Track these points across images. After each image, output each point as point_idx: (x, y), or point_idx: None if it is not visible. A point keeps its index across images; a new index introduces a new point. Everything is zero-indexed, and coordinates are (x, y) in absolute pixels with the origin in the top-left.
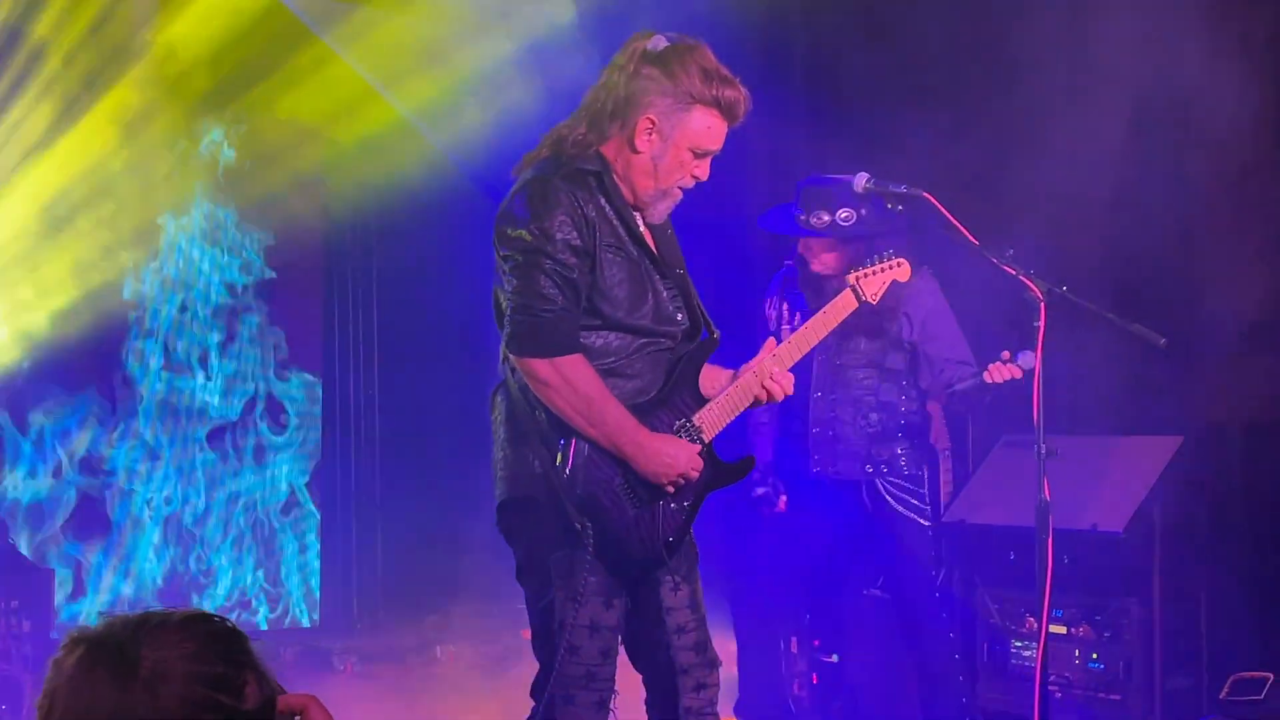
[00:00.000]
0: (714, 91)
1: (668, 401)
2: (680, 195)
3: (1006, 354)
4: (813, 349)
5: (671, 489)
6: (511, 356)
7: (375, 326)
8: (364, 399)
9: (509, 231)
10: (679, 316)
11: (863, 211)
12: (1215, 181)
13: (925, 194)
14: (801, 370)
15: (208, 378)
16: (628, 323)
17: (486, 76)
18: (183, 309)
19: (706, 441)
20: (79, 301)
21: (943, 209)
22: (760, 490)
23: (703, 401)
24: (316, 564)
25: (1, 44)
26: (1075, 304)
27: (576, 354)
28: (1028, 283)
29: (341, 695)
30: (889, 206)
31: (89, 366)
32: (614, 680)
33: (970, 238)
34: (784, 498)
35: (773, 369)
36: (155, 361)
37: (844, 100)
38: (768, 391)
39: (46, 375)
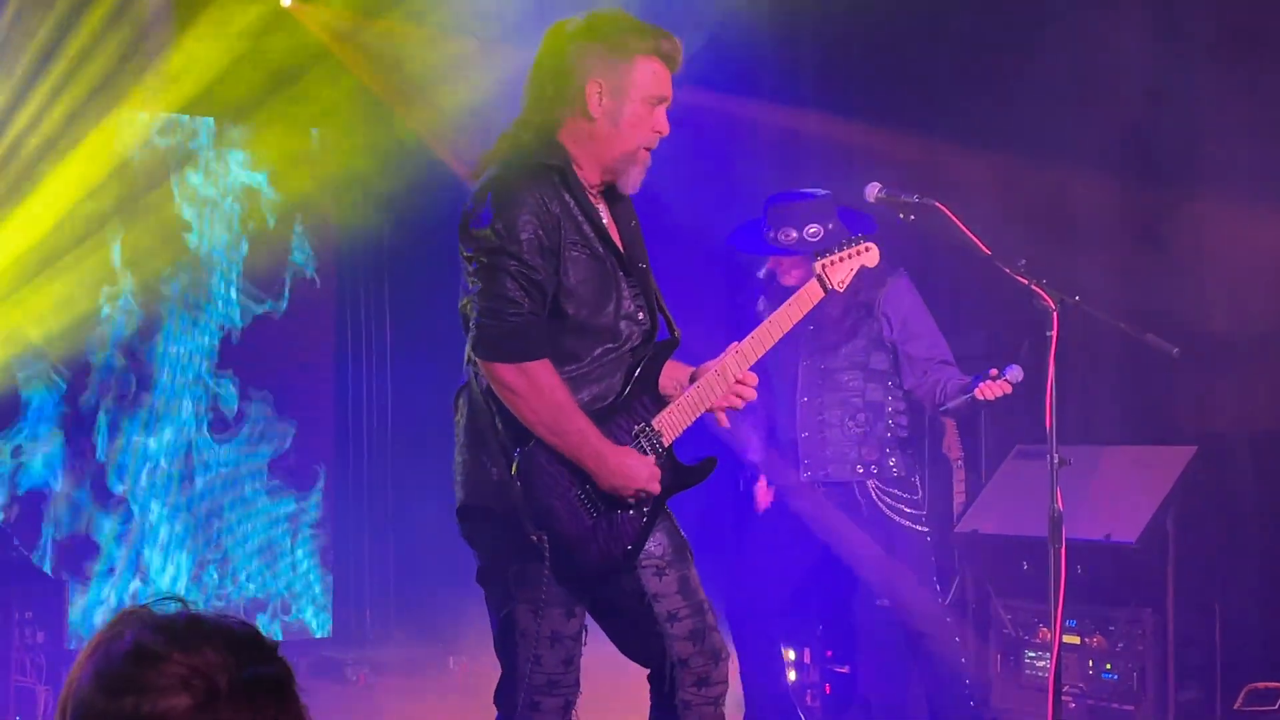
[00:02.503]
0: (648, 41)
1: (628, 406)
2: (649, 159)
3: (994, 371)
4: (798, 354)
5: (632, 500)
6: (478, 361)
7: (388, 338)
8: (376, 409)
9: (473, 231)
10: (640, 316)
11: (829, 226)
12: (1224, 189)
13: (937, 203)
14: (788, 376)
15: (218, 390)
16: (591, 323)
17: (500, 93)
18: (195, 321)
19: (666, 445)
20: (86, 315)
21: (955, 218)
22: (742, 486)
23: (663, 404)
24: (329, 575)
25: (10, 58)
26: (1088, 314)
27: (543, 359)
28: (1040, 293)
29: (354, 706)
30: (901, 216)
31: (96, 375)
32: (579, 684)
33: (983, 247)
34: (770, 488)
35: (736, 371)
36: (164, 373)
37: (854, 110)
38: (729, 401)
39: (57, 381)
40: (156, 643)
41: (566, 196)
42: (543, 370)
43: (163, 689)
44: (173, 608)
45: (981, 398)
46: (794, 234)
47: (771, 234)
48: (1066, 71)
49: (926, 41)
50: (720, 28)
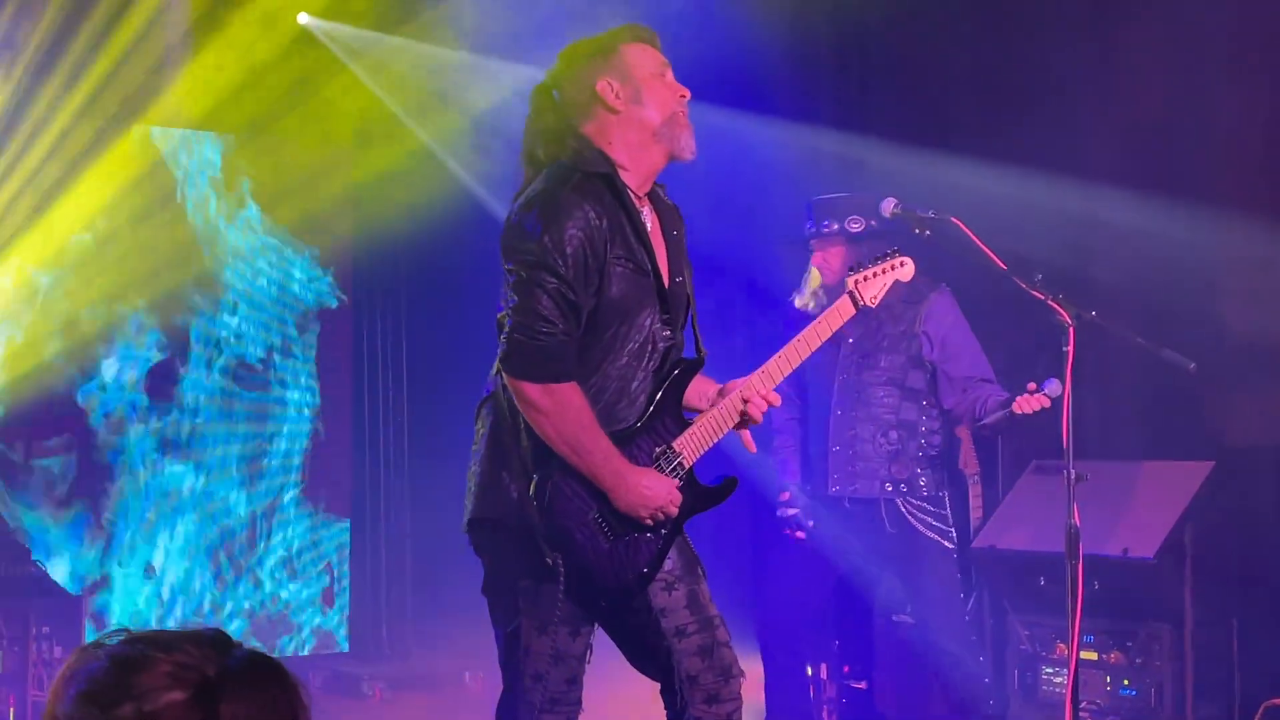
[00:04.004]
0: (622, 33)
1: (650, 428)
2: (688, 121)
3: (1032, 385)
4: (835, 367)
5: (649, 522)
6: (505, 375)
7: (404, 354)
8: (393, 425)
9: (517, 244)
10: (666, 333)
11: (872, 223)
12: (1244, 204)
13: (953, 219)
14: (823, 389)
15: (235, 405)
16: (622, 336)
17: (516, 107)
18: (213, 336)
19: (687, 468)
20: (101, 333)
21: (971, 233)
22: (791, 511)
23: (684, 425)
24: (346, 590)
25: (32, 73)
26: (1105, 329)
27: (572, 381)
28: (1057, 307)
29: None
30: (916, 231)
31: (110, 392)
32: (580, 701)
33: (999, 262)
34: (810, 523)
35: (759, 386)
36: (184, 389)
37: (870, 128)
38: (747, 414)
39: (74, 401)
40: (135, 650)
41: (615, 206)
42: (570, 392)
43: (156, 688)
44: (122, 636)
45: (1019, 411)
46: (835, 225)
47: (812, 228)
48: (1084, 85)
49: (942, 60)
50: (735, 47)
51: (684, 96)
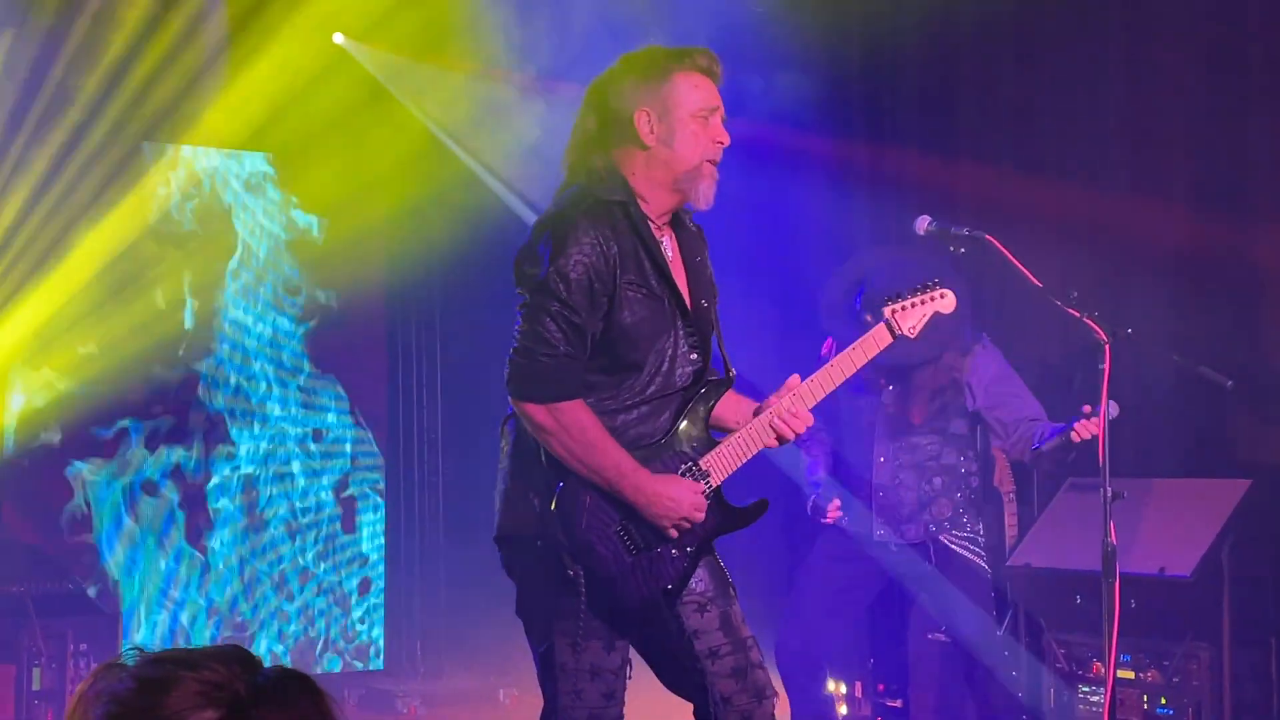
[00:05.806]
0: (683, 58)
1: (674, 445)
2: (715, 173)
3: (1088, 408)
4: (875, 409)
5: (674, 532)
6: (510, 398)
7: (439, 372)
8: (427, 446)
9: (524, 269)
10: (693, 355)
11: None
12: (1278, 218)
13: (988, 236)
14: (864, 432)
15: (271, 428)
16: (642, 361)
17: (553, 130)
18: (247, 361)
19: (714, 486)
20: (141, 357)
21: (1006, 251)
22: (811, 499)
23: (711, 444)
24: (381, 607)
25: (64, 96)
26: (1141, 346)
27: (576, 400)
28: (1092, 325)
29: None
30: (951, 249)
31: (151, 419)
32: (621, 716)
33: (1034, 280)
34: (836, 501)
35: (791, 407)
36: (217, 412)
37: (905, 149)
38: (779, 432)
39: (102, 432)
40: (161, 671)
41: (628, 232)
42: (574, 410)
43: (187, 709)
44: (138, 656)
45: (1077, 438)
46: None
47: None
48: (1117, 102)
49: (973, 80)
50: (771, 62)
51: (720, 143)
